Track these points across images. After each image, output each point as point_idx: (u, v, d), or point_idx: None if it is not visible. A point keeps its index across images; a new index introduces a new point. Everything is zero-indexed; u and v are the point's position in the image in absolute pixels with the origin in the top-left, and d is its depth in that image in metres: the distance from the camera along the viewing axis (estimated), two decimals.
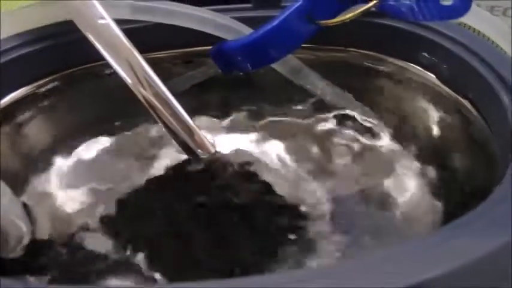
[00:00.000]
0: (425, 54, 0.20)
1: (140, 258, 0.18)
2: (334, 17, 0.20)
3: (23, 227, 0.16)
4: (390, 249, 0.13)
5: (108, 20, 0.18)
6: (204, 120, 0.23)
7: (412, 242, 0.13)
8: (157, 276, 0.17)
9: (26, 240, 0.16)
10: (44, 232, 0.18)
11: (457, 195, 0.19)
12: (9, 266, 0.16)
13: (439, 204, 0.20)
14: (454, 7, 0.15)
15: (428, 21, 0.17)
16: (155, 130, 0.22)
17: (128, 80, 0.19)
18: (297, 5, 0.19)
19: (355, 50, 0.22)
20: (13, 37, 0.20)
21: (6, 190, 0.16)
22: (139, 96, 0.19)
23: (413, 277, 0.12)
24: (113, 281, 0.17)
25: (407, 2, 0.16)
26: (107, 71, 0.22)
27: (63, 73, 0.21)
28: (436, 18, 0.16)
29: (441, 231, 0.14)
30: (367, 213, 0.20)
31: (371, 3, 0.18)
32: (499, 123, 0.17)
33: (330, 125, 0.22)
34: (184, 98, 0.20)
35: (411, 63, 0.21)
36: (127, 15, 0.20)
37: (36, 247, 0.17)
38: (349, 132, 0.22)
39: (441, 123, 0.21)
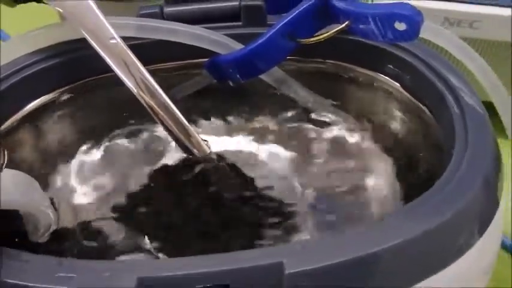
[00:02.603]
0: (391, 66, 0.24)
1: (147, 241, 0.21)
2: (312, 34, 0.23)
3: (51, 216, 0.19)
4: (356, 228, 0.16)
5: (118, 40, 0.22)
6: (200, 123, 0.26)
7: (375, 222, 0.17)
8: (160, 255, 0.21)
9: (52, 228, 0.20)
10: (64, 221, 0.22)
11: (416, 179, 0.22)
12: (38, 249, 0.19)
13: (400, 188, 0.23)
14: (406, 32, 0.18)
15: (387, 42, 0.20)
16: (158, 133, 0.25)
17: (134, 89, 0.22)
18: (280, 25, 0.23)
19: (332, 61, 0.25)
20: (35, 52, 0.23)
21: (36, 184, 0.19)
22: (143, 103, 0.22)
23: (372, 247, 0.15)
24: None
25: (371, 26, 0.19)
26: (114, 81, 0.25)
27: (77, 83, 0.25)
28: (393, 41, 0.19)
29: (398, 212, 0.17)
30: (341, 198, 0.23)
31: (343, 25, 0.21)
32: (446, 123, 0.20)
33: (311, 127, 0.26)
34: (183, 103, 0.23)
35: (379, 73, 0.25)
36: (133, 34, 0.23)
37: (59, 233, 0.21)
38: (326, 132, 0.26)
39: (404, 123, 0.24)
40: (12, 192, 0.17)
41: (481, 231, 0.18)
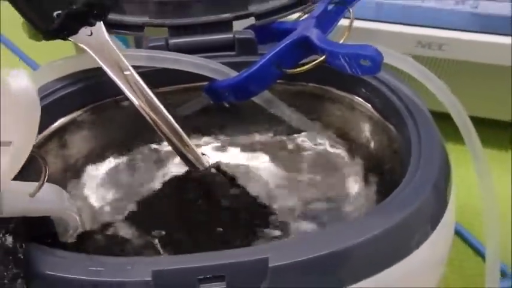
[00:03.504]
0: (363, 90, 0.28)
1: (156, 241, 0.25)
2: (297, 62, 0.27)
3: (78, 220, 0.23)
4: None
5: (131, 71, 0.25)
6: (202, 139, 0.30)
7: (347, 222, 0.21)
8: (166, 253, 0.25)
9: (79, 230, 0.24)
10: (87, 224, 0.26)
11: (383, 185, 0.27)
12: (67, 248, 0.23)
13: (371, 192, 0.27)
14: (370, 67, 0.22)
15: (355, 74, 0.24)
16: (165, 148, 0.29)
17: (142, 110, 0.26)
18: (269, 56, 0.26)
19: (314, 84, 0.29)
20: (61, 79, 0.27)
21: (65, 193, 0.23)
22: (151, 122, 0.26)
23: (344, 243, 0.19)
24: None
25: (342, 62, 0.23)
26: (126, 103, 0.29)
27: (95, 104, 0.29)
28: (360, 74, 0.23)
29: (367, 214, 0.21)
30: (321, 202, 0.27)
31: (320, 59, 0.25)
32: (405, 139, 0.25)
33: (295, 141, 0.30)
34: (186, 121, 0.27)
35: (355, 95, 0.29)
36: (144, 63, 0.27)
37: (83, 234, 0.25)
38: (308, 145, 0.30)
39: (374, 137, 0.28)
40: (50, 202, 0.21)
41: (433, 227, 0.22)
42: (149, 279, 0.19)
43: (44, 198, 0.20)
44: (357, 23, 0.29)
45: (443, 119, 0.25)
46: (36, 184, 0.19)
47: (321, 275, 0.20)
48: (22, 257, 0.19)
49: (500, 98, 0.39)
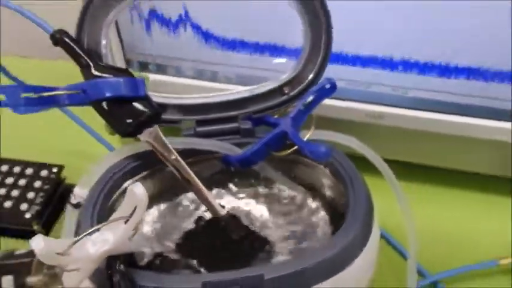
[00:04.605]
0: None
1: (195, 263, 0.41)
2: (283, 144, 0.42)
3: (149, 252, 0.38)
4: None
5: (176, 155, 0.41)
6: (220, 192, 0.46)
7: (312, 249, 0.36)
8: (202, 270, 0.40)
9: (148, 258, 0.39)
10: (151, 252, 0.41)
11: (337, 221, 0.42)
12: (143, 268, 0.39)
13: (330, 225, 0.43)
14: (322, 157, 0.38)
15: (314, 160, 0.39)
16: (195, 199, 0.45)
17: (178, 174, 0.41)
18: (263, 142, 0.42)
19: (293, 155, 0.45)
20: (129, 156, 0.42)
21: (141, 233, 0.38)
22: (183, 181, 0.41)
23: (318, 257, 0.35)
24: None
25: (304, 151, 0.39)
26: (168, 169, 0.44)
27: (149, 170, 0.44)
28: (317, 159, 0.39)
29: (325, 243, 0.37)
30: (298, 233, 0.43)
31: (294, 148, 0.40)
32: (347, 193, 0.40)
33: (279, 193, 0.45)
34: (207, 179, 0.43)
35: (318, 164, 0.44)
36: (181, 146, 0.42)
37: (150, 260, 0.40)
38: (287, 195, 0.45)
39: (330, 190, 0.44)
40: (138, 242, 0.36)
41: (362, 247, 0.38)
42: (199, 287, 0.34)
43: (135, 240, 0.36)
44: (327, 101, 0.43)
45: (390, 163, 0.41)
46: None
47: (297, 283, 0.35)
48: (130, 277, 0.34)
49: (427, 151, 0.55)
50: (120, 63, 0.54)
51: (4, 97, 0.37)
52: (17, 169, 0.57)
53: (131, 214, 0.32)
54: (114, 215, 0.33)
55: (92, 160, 0.55)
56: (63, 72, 0.46)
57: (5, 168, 0.57)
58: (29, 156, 0.59)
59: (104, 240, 0.32)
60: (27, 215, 0.53)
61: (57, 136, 0.63)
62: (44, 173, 0.57)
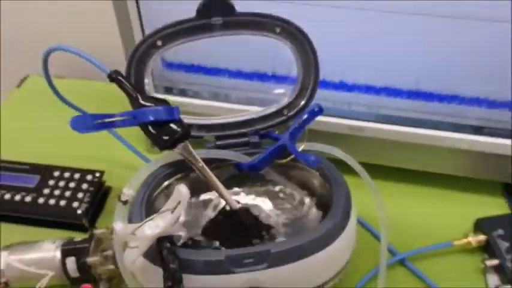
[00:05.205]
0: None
1: (217, 244, 0.54)
2: (284, 153, 0.55)
3: (183, 234, 0.51)
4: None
5: (201, 163, 0.54)
6: (235, 190, 0.59)
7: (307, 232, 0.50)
8: (222, 249, 0.53)
9: (183, 239, 0.52)
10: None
11: (325, 211, 0.55)
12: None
13: (319, 215, 0.56)
14: (314, 162, 0.51)
15: (307, 165, 0.53)
16: (216, 195, 0.58)
17: (203, 176, 0.54)
18: (268, 152, 0.55)
19: (290, 162, 0.58)
20: (165, 165, 0.55)
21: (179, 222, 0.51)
22: (207, 182, 0.54)
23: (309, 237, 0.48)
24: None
25: (301, 160, 0.52)
26: (195, 173, 0.57)
27: (180, 175, 0.57)
28: (309, 165, 0.52)
29: (315, 228, 0.50)
30: (294, 220, 0.56)
31: (291, 157, 0.53)
32: (332, 189, 0.53)
33: (279, 190, 0.59)
34: (225, 181, 0.56)
35: (313, 170, 0.57)
36: (204, 156, 0.55)
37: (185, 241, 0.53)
38: (286, 192, 0.59)
39: (320, 188, 0.57)
40: (178, 227, 0.49)
41: (343, 230, 0.51)
42: (223, 259, 0.47)
43: (175, 226, 0.49)
44: (318, 118, 0.56)
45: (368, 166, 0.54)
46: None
47: (292, 256, 0.48)
48: (174, 252, 0.47)
49: (396, 156, 0.68)
50: (149, 88, 0.67)
51: (75, 123, 0.50)
52: (67, 174, 0.70)
53: (175, 207, 0.46)
54: (164, 208, 0.46)
55: (125, 167, 0.70)
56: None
57: (56, 173, 0.70)
58: (76, 164, 0.73)
59: (156, 225, 0.46)
60: (79, 211, 0.66)
61: (98, 147, 0.75)
62: (89, 177, 0.70)
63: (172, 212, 0.46)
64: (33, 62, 0.95)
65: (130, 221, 0.51)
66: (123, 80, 0.52)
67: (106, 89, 0.61)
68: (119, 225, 0.43)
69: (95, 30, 0.92)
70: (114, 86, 0.52)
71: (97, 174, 0.70)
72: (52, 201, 0.67)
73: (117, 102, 0.56)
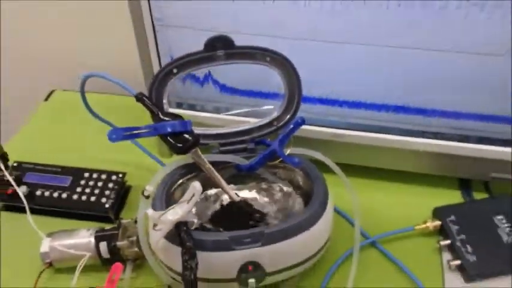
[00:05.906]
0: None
1: (221, 229, 0.68)
2: (276, 156, 0.69)
3: (195, 221, 0.65)
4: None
5: (208, 165, 0.67)
6: (235, 186, 0.73)
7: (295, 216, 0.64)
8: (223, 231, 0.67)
9: (196, 225, 0.66)
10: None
11: (307, 201, 0.68)
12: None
13: (303, 204, 0.70)
14: (298, 163, 0.65)
15: (293, 166, 0.66)
16: (220, 190, 0.72)
17: (210, 175, 0.67)
18: (262, 155, 0.69)
19: (281, 163, 0.72)
20: (179, 167, 0.69)
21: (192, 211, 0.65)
22: (213, 180, 0.68)
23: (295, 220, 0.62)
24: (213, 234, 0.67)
25: (288, 162, 0.66)
26: (204, 173, 0.70)
27: (191, 175, 0.71)
28: (295, 166, 0.66)
29: (300, 213, 0.65)
30: (283, 209, 0.70)
31: (280, 159, 0.67)
32: (313, 185, 0.67)
33: (272, 186, 0.73)
34: (227, 178, 0.70)
35: (298, 169, 0.71)
36: (210, 159, 0.69)
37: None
38: (278, 187, 0.72)
39: (304, 183, 0.71)
40: (191, 214, 0.63)
41: (321, 216, 0.64)
42: (227, 239, 0.61)
43: (190, 213, 0.63)
44: (303, 126, 0.70)
45: (344, 165, 0.68)
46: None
47: (282, 235, 0.62)
48: (190, 234, 0.60)
49: (369, 157, 0.82)
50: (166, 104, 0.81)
51: (111, 134, 0.64)
52: (95, 175, 0.84)
53: (190, 198, 0.59)
54: (181, 199, 0.60)
55: (142, 169, 0.84)
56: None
57: (86, 174, 0.84)
58: (99, 166, 0.86)
59: (175, 213, 0.59)
60: (107, 205, 0.80)
61: (120, 152, 0.86)
62: (113, 177, 0.84)
63: (188, 202, 0.59)
64: (56, 78, 1.09)
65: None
66: (146, 100, 0.66)
67: (122, 101, 0.81)
68: (151, 211, 0.57)
69: (112, 49, 1.06)
70: (127, 99, 0.68)
71: (120, 175, 0.84)
72: (84, 198, 0.81)
73: (127, 112, 0.76)
